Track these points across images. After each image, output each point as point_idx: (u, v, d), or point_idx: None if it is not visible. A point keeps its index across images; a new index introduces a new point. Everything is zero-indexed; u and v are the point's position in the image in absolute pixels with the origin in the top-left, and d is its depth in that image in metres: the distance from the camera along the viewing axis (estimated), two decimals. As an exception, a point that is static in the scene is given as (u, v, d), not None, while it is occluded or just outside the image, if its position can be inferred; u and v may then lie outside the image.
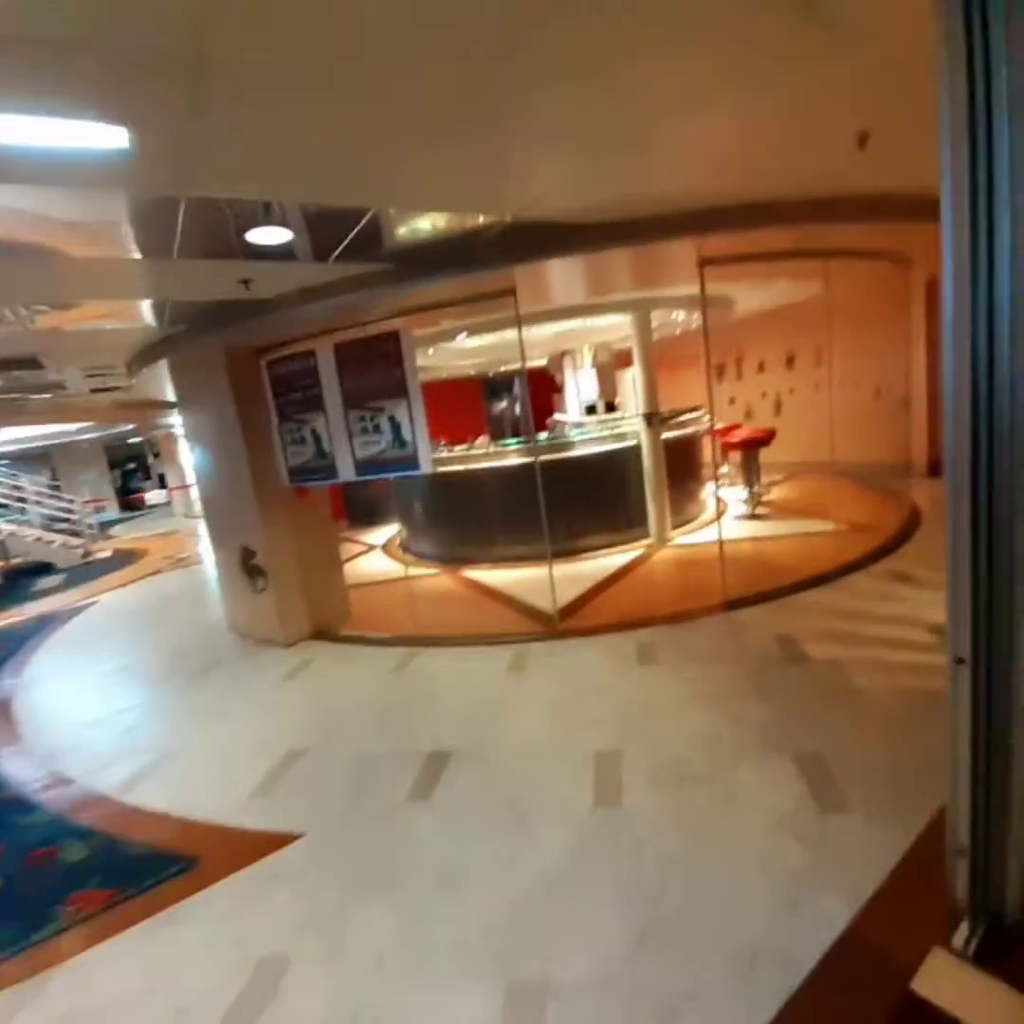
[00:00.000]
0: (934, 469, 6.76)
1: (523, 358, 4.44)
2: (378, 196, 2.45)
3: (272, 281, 3.35)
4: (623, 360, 7.73)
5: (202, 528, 9.55)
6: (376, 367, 3.85)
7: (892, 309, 6.64)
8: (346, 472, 4.13)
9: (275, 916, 1.94)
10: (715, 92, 1.97)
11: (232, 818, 2.49)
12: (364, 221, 2.63)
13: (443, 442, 7.06)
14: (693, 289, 4.22)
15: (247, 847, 2.28)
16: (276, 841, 2.29)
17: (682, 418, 6.44)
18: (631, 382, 7.07)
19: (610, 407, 7.27)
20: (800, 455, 8.01)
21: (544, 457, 5.41)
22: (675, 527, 6.06)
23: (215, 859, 2.25)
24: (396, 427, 3.89)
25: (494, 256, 3.25)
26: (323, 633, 4.63)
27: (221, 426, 4.45)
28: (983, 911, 1.51)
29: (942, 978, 1.43)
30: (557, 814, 2.21)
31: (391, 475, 4.10)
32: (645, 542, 5.88)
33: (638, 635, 3.71)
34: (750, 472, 6.48)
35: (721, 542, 4.21)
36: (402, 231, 2.99)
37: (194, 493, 11.27)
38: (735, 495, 6.84)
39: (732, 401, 9.29)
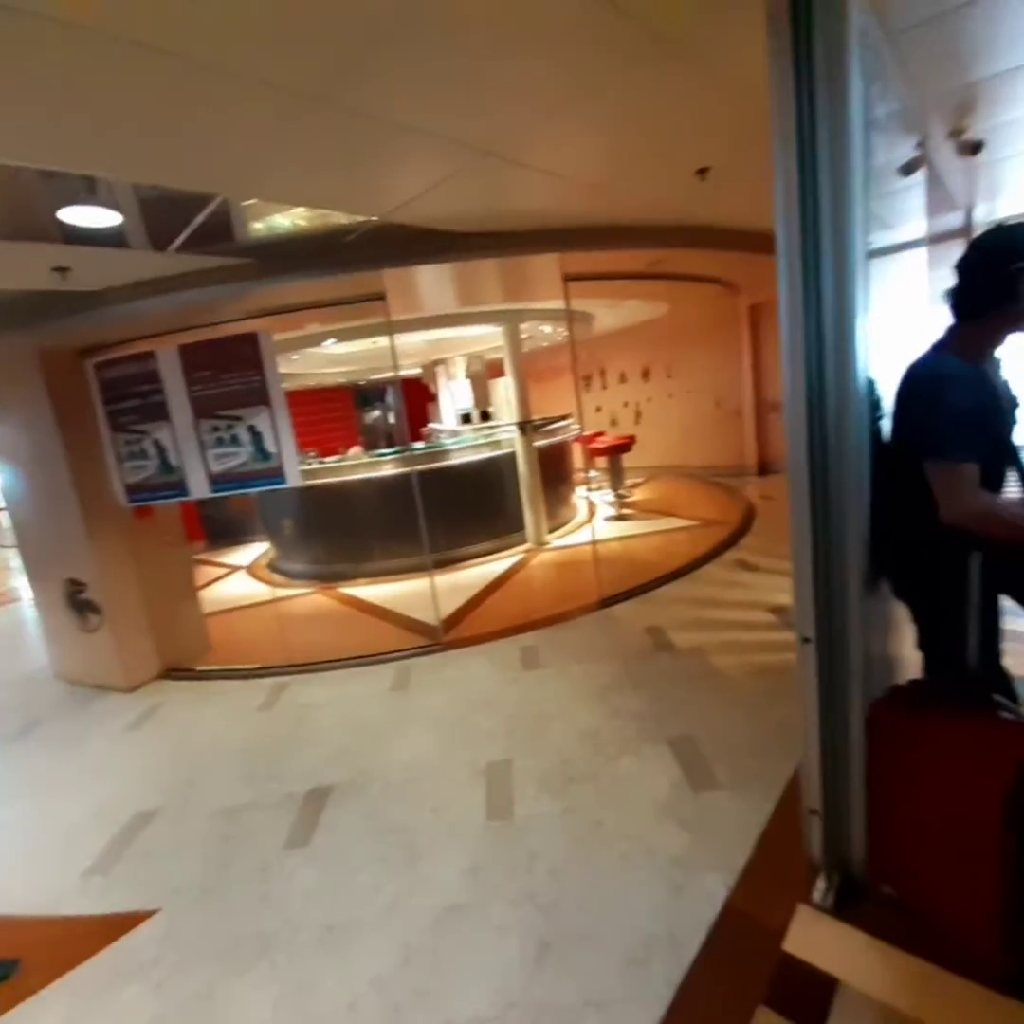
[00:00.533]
0: (762, 469, 7.70)
1: (396, 366, 4.31)
2: (228, 182, 2.21)
3: (97, 270, 2.92)
4: (495, 370, 7.85)
5: (17, 560, 8.12)
6: (232, 372, 3.51)
7: (726, 329, 7.49)
8: (199, 488, 3.71)
9: (124, 1018, 1.64)
10: (567, 114, 2.05)
11: (63, 905, 2.09)
12: (212, 207, 2.37)
13: (313, 453, 6.67)
14: (559, 303, 4.38)
15: (84, 937, 1.92)
16: (122, 924, 1.96)
17: (553, 426, 6.67)
18: (504, 391, 7.20)
19: (485, 416, 7.35)
20: (657, 459, 8.71)
21: (421, 466, 5.31)
22: (551, 531, 6.25)
23: (41, 958, 1.87)
24: (257, 438, 3.57)
25: (362, 257, 3.11)
26: (176, 670, 4.11)
27: (36, 439, 3.79)
28: (836, 866, 1.69)
29: (808, 934, 1.57)
30: (448, 839, 2.13)
31: (253, 490, 3.75)
32: (524, 547, 5.99)
33: (522, 639, 3.75)
34: (615, 476, 6.88)
35: (593, 543, 4.39)
36: (259, 224, 2.75)
37: (4, 519, 9.55)
38: (603, 498, 7.22)
39: (599, 410, 9.84)
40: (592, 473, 8.25)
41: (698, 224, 3.79)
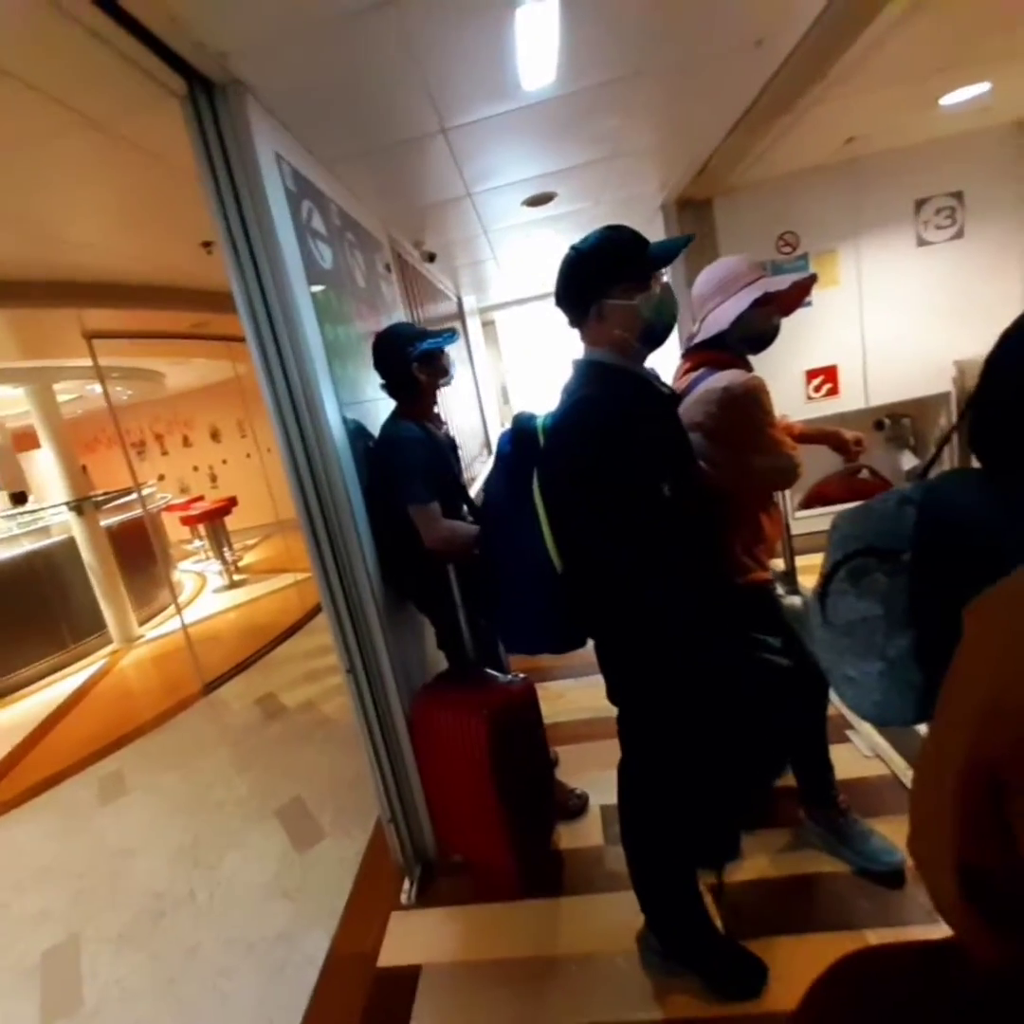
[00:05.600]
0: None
1: None
2: None
3: None
4: (26, 441, 6.29)
5: None
6: None
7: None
8: None
9: None
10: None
11: None
12: None
13: None
14: (100, 361, 3.81)
15: None
16: None
17: (128, 499, 5.73)
18: (45, 466, 5.81)
19: (20, 499, 5.77)
20: (271, 515, 8.43)
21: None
22: (144, 621, 5.33)
23: None
24: None
25: None
26: None
27: None
28: (418, 861, 1.92)
29: (398, 937, 1.73)
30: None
31: None
32: (108, 649, 4.94)
33: (104, 766, 3.07)
34: (220, 543, 6.36)
35: (184, 628, 3.94)
36: None
37: None
38: (212, 567, 6.57)
39: (162, 477, 8.88)
40: (196, 543, 7.42)
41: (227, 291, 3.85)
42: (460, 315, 4.95)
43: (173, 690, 3.78)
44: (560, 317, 1.25)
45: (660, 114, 2.29)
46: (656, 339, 1.20)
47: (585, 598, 1.19)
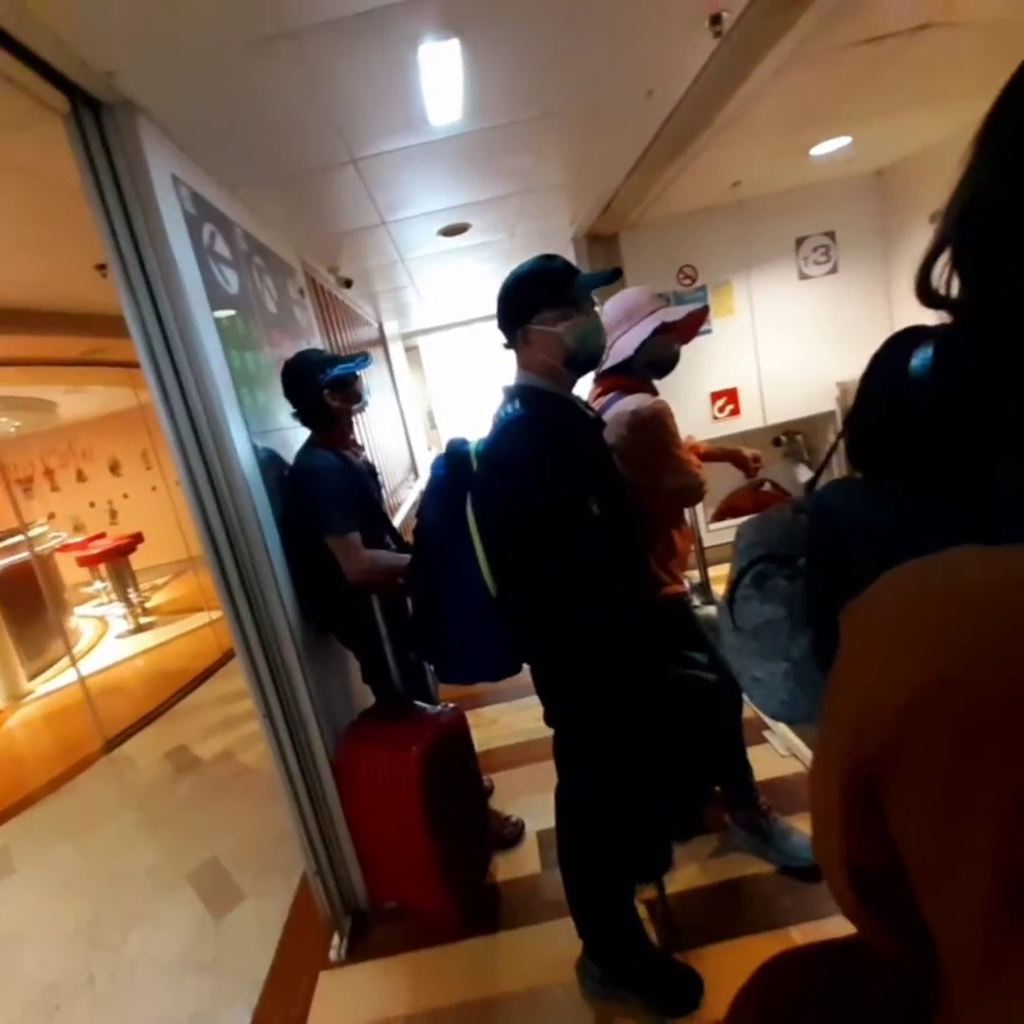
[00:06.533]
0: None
1: None
2: None
3: None
4: None
5: None
6: None
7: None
8: None
9: None
10: None
11: None
12: None
13: None
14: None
15: None
16: None
17: (10, 541, 5.18)
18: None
19: None
20: (175, 553, 7.88)
21: None
22: (35, 675, 4.81)
23: None
24: None
25: None
26: None
27: None
28: (348, 913, 1.81)
29: (327, 999, 1.61)
30: None
31: None
32: (-11, 710, 4.40)
33: (-16, 846, 2.70)
34: (124, 584, 5.88)
35: (82, 680, 3.58)
36: None
37: None
38: (114, 611, 6.05)
39: (52, 516, 8.08)
40: (97, 584, 6.81)
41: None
42: (382, 341, 4.91)
43: (69, 750, 3.40)
44: (486, 341, 1.28)
45: (567, 154, 2.41)
46: (580, 366, 1.24)
47: (526, 621, 1.19)
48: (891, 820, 0.32)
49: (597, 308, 1.26)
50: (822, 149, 2.87)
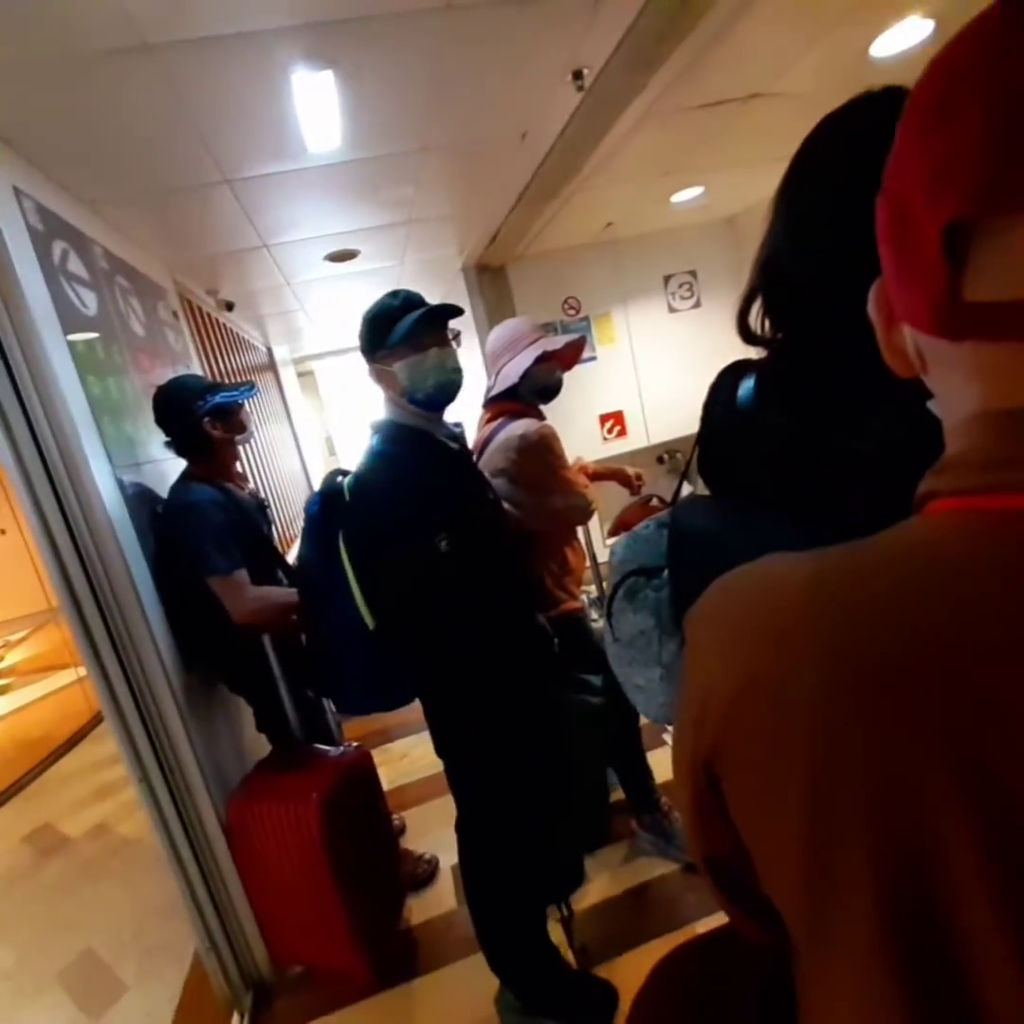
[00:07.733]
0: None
1: None
2: None
3: None
4: None
5: None
6: None
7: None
8: None
9: None
10: None
11: None
12: None
13: None
14: None
15: None
16: None
17: None
18: None
19: None
20: (35, 604, 6.97)
21: None
22: None
23: None
24: None
25: None
26: None
27: None
28: (249, 987, 1.65)
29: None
30: None
31: None
32: None
33: None
34: (-34, 645, 5.09)
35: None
36: None
37: None
38: (-45, 679, 5.21)
39: None
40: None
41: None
42: (271, 366, 4.71)
43: None
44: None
45: (449, 187, 2.47)
46: (421, 403, 1.21)
47: (402, 651, 1.18)
48: (730, 810, 0.35)
49: (453, 342, 1.23)
50: (680, 196, 3.17)
